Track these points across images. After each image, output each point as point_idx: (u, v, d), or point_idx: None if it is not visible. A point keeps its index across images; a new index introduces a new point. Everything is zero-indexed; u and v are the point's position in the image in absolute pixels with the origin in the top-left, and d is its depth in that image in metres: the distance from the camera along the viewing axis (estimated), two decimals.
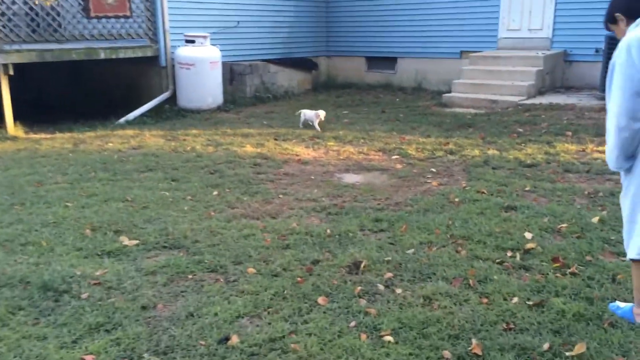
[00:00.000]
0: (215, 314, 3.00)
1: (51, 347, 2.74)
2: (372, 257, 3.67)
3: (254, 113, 9.76)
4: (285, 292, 3.23)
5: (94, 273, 3.52)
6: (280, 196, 5.12)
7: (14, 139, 7.96)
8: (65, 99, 11.72)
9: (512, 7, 10.60)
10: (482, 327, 2.83)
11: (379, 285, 3.30)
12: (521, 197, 4.83)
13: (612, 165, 2.72)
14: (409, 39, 11.94)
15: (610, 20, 2.87)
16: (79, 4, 9.48)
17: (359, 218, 4.44)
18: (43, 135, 8.28)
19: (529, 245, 3.76)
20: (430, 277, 3.40)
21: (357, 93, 11.77)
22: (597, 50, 9.72)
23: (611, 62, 2.64)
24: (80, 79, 11.79)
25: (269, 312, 3.02)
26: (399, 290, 3.22)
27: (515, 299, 3.08)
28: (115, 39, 9.76)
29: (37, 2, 8.80)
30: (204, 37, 9.84)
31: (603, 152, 6.09)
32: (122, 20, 9.83)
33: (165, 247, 3.97)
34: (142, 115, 9.79)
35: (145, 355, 2.67)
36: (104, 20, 9.74)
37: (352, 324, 2.89)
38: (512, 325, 2.84)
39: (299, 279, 3.37)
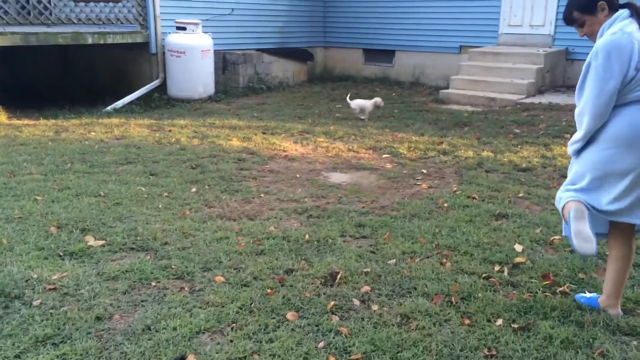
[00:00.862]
0: (174, 329, 2.76)
1: None
2: (350, 267, 3.43)
3: (245, 104, 9.49)
4: (253, 305, 3.00)
5: (51, 277, 3.28)
6: (262, 195, 4.88)
7: None
8: (54, 85, 11.45)
9: (513, 2, 10.30)
10: (461, 353, 2.61)
11: (354, 300, 3.07)
12: (514, 205, 4.59)
13: (572, 151, 2.84)
14: (407, 32, 11.65)
15: (588, 9, 2.69)
16: None
17: (341, 222, 4.20)
18: (26, 122, 8.03)
19: (519, 259, 3.53)
20: (410, 292, 3.17)
21: (353, 86, 11.49)
22: None
23: (587, 62, 2.60)
24: (70, 64, 11.52)
25: (232, 328, 2.79)
26: (375, 307, 2.99)
27: (500, 321, 2.85)
28: (104, 24, 9.47)
29: None
30: (196, 24, 9.56)
31: None
32: (112, 4, 9.53)
33: (132, 249, 3.73)
34: (131, 103, 9.53)
35: None
36: (92, 4, 9.45)
37: (321, 344, 2.66)
38: (494, 352, 2.62)
39: (269, 290, 3.14)
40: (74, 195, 4.75)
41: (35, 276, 3.27)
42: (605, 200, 2.71)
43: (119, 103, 9.41)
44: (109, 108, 9.23)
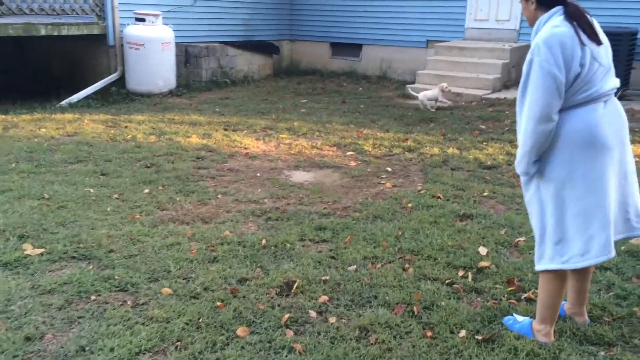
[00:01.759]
0: (112, 349, 2.53)
1: None
2: (308, 275, 3.24)
3: (207, 99, 9.19)
4: (200, 320, 2.78)
5: None
6: (219, 196, 4.64)
7: None
8: (6, 79, 10.92)
9: None
10: None
11: (310, 312, 2.88)
12: (479, 204, 4.47)
13: (522, 169, 2.55)
14: (375, 26, 11.48)
15: None
16: None
17: (300, 225, 4.00)
18: None
19: (483, 263, 3.39)
20: (370, 302, 2.99)
21: (319, 80, 11.29)
22: None
23: (528, 59, 2.40)
24: (25, 56, 11.01)
25: (176, 347, 2.57)
26: (332, 319, 2.81)
27: (463, 332, 2.70)
28: (59, 14, 9.04)
29: None
30: (155, 15, 9.20)
31: None
32: None
33: (73, 257, 3.46)
34: (87, 97, 9.13)
35: None
36: None
37: None
38: None
39: (219, 303, 2.92)
40: (15, 198, 4.44)
41: None
42: (597, 226, 2.43)
43: (74, 97, 9.00)
44: (63, 103, 8.82)
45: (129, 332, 2.67)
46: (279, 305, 2.93)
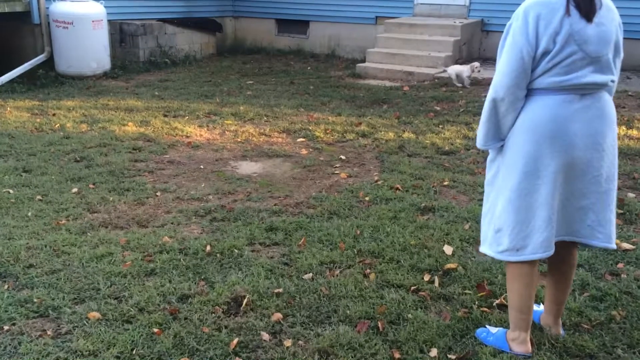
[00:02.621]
0: None
1: None
2: (258, 287, 2.88)
3: (146, 81, 8.58)
4: (134, 351, 2.39)
5: None
6: (158, 194, 4.20)
7: None
8: None
9: None
10: None
11: (263, 334, 2.53)
12: (439, 195, 4.21)
13: (480, 141, 2.37)
14: (322, 1, 11.03)
15: None
16: None
17: (249, 226, 3.63)
18: None
19: (450, 265, 3.12)
20: (330, 317, 2.67)
21: (265, 59, 10.79)
22: None
23: (507, 24, 2.23)
24: None
25: None
26: (288, 342, 2.47)
27: (435, 351, 2.42)
28: None
29: None
30: None
31: None
32: None
33: None
34: (12, 81, 8.33)
35: None
36: None
37: None
38: None
39: (156, 329, 2.53)
40: None
41: None
42: (539, 223, 2.27)
43: None
44: None
45: None
46: (226, 327, 2.57)
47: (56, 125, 5.95)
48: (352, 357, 2.38)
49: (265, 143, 5.55)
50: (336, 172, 4.76)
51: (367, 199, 4.12)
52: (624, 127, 5.73)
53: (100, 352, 2.38)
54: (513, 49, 2.15)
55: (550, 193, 2.23)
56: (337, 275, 3.03)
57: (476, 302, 2.79)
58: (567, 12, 2.10)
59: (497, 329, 2.53)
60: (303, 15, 11.31)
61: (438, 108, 6.77)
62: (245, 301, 2.75)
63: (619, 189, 2.74)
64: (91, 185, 4.30)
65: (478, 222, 3.63)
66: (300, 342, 2.48)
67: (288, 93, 7.75)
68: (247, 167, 4.91)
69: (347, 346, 2.44)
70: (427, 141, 5.47)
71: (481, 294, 2.87)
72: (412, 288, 2.91)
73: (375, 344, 2.46)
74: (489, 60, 9.64)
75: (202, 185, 4.42)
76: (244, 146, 5.45)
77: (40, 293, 2.80)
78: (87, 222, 3.66)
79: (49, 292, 2.81)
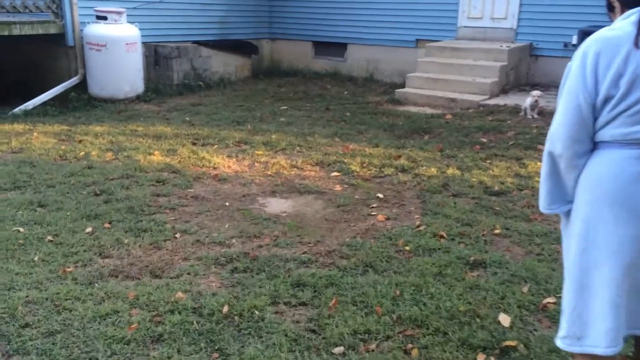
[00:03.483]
0: None
1: None
2: None
3: (178, 105, 8.35)
4: None
5: None
6: (177, 236, 3.84)
7: None
8: None
9: None
10: None
11: None
12: (490, 245, 3.71)
13: (542, 204, 2.05)
14: (360, 23, 10.69)
15: (608, 6, 1.97)
16: None
17: (274, 280, 3.21)
18: None
19: (508, 343, 2.63)
20: None
21: (302, 82, 10.48)
22: (565, 45, 8.75)
23: (568, 64, 1.97)
24: None
25: None
26: None
27: None
28: (9, 12, 8.12)
29: None
30: (119, 12, 8.32)
31: None
32: None
33: None
34: (45, 104, 8.23)
35: None
36: None
37: None
38: None
39: None
40: None
41: None
42: (600, 309, 1.86)
43: (30, 104, 8.10)
44: (17, 110, 7.92)
45: None
46: None
47: (81, 154, 5.70)
48: None
49: (297, 177, 5.16)
50: (373, 213, 4.32)
51: (407, 248, 3.66)
52: None
53: None
54: (569, 96, 1.87)
55: (615, 270, 1.81)
56: (372, 350, 2.58)
57: None
58: (636, 44, 1.68)
59: None
60: (341, 37, 10.99)
61: (484, 140, 6.26)
62: None
63: None
64: (107, 225, 3.97)
65: (538, 282, 3.16)
66: None
67: (323, 120, 7.37)
68: (276, 205, 4.51)
69: None
70: (473, 179, 4.97)
71: None
72: None
73: None
74: (537, 86, 9.09)
75: (226, 226, 4.04)
76: (274, 180, 5.07)
77: None
78: (97, 270, 3.32)
79: None
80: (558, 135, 1.90)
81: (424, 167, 5.29)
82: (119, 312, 2.86)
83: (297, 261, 3.48)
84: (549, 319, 2.88)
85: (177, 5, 9.85)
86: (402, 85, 9.16)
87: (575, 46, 8.31)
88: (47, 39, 8.50)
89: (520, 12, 9.16)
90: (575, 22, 8.46)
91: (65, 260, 3.43)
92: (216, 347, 2.59)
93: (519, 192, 4.70)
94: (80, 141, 6.18)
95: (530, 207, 4.36)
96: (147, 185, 4.85)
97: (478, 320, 2.83)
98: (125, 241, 3.72)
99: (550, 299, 3.02)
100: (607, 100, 1.79)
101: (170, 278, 3.25)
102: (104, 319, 2.79)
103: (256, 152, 5.88)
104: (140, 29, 8.67)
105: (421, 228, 3.97)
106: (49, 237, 3.74)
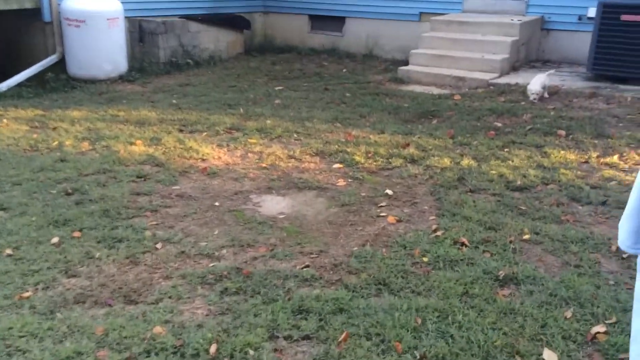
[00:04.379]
0: None
1: None
2: None
3: (165, 85, 7.74)
4: None
5: None
6: (158, 246, 3.32)
7: None
8: None
9: None
10: None
11: None
12: (520, 255, 3.22)
13: (625, 241, 1.57)
14: None
15: None
16: None
17: (271, 305, 2.71)
18: None
19: None
20: None
21: (297, 59, 9.85)
22: (580, 18, 8.16)
23: None
24: None
25: None
26: None
27: None
28: None
29: None
30: None
31: (613, 166, 4.55)
32: None
33: None
34: (21, 85, 7.61)
35: None
36: None
37: None
38: None
39: None
40: None
41: None
42: None
43: (3, 85, 7.48)
44: None
45: None
46: None
47: (54, 143, 5.13)
48: None
49: (295, 169, 4.63)
50: (382, 214, 3.81)
51: (425, 259, 3.16)
52: None
53: None
54: None
55: None
56: None
57: None
58: None
59: None
60: (338, 10, 10.32)
61: (499, 124, 5.72)
62: None
63: None
64: (76, 233, 3.44)
65: (582, 304, 2.68)
66: None
67: (322, 102, 6.80)
68: (272, 205, 3.99)
69: None
70: (492, 171, 4.45)
71: None
72: None
73: None
74: (548, 62, 8.52)
75: (216, 233, 3.52)
76: (270, 174, 4.53)
77: None
78: (60, 295, 2.80)
79: None
80: None
81: (436, 158, 4.76)
82: (82, 354, 2.35)
83: (298, 278, 2.98)
84: (601, 354, 2.39)
85: None
86: (405, 63, 8.56)
87: (592, 19, 7.73)
88: (22, 14, 7.83)
89: None
90: None
91: (24, 281, 2.91)
92: None
93: (545, 186, 4.18)
94: (54, 128, 5.61)
95: (559, 205, 3.86)
96: (127, 181, 4.31)
97: (518, 358, 2.34)
98: (97, 255, 3.20)
99: (600, 327, 2.54)
100: None
101: (148, 304, 2.74)
102: None
103: (249, 140, 5.32)
104: (123, 3, 8.01)
105: (439, 233, 3.46)
106: (8, 251, 3.21)
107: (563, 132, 5.32)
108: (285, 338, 2.49)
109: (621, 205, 3.82)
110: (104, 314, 2.65)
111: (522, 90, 6.88)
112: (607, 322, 2.58)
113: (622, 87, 6.90)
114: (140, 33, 8.80)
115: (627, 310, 2.63)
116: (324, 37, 10.65)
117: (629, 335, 1.61)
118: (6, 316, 2.61)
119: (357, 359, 2.33)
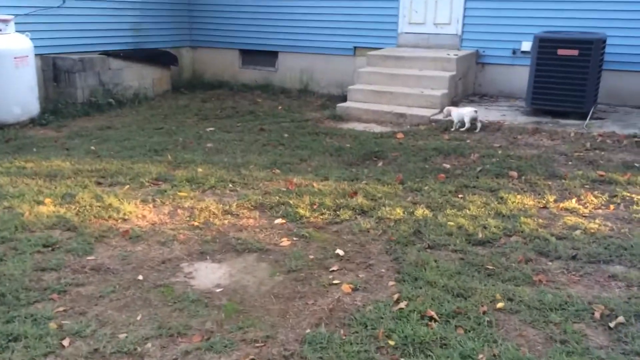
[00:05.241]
0: None
1: None
2: None
3: (82, 129, 7.00)
4: None
5: None
6: (65, 344, 2.67)
7: None
8: None
9: None
10: None
11: None
12: (497, 329, 2.81)
13: None
14: (292, 30, 9.71)
15: None
16: None
17: None
18: None
19: None
20: None
21: (229, 96, 9.35)
22: (514, 52, 8.17)
23: None
24: None
25: None
26: None
27: None
28: None
29: None
30: (4, 20, 6.89)
31: (573, 211, 4.29)
32: None
33: None
34: None
35: None
36: None
37: None
38: None
39: None
40: None
41: None
42: None
43: None
44: None
45: None
46: None
47: None
48: None
49: (232, 228, 4.08)
50: (335, 281, 3.32)
51: (391, 342, 2.69)
52: None
53: None
54: None
55: None
56: None
57: None
58: None
59: None
60: (271, 45, 9.96)
61: (447, 165, 5.42)
62: None
63: None
64: None
65: None
66: None
67: (257, 144, 6.30)
68: (207, 274, 3.43)
69: None
70: (450, 222, 4.08)
71: None
72: None
73: None
74: (485, 96, 8.46)
75: (138, 318, 2.92)
76: (203, 234, 3.96)
77: None
78: None
79: None
80: None
81: (387, 208, 4.35)
82: None
83: None
84: None
85: (80, 11, 8.47)
86: (342, 97, 8.28)
87: (526, 53, 7.72)
88: None
89: (464, 17, 8.51)
90: (525, 27, 7.90)
91: None
92: None
93: (508, 239, 3.85)
94: None
95: (527, 261, 3.52)
96: (30, 252, 3.62)
97: None
98: None
99: None
100: None
101: None
102: None
103: (179, 193, 4.73)
104: (34, 39, 7.25)
105: (402, 305, 3.01)
106: None
107: (515, 174, 5.07)
108: None
109: (592, 259, 3.53)
110: None
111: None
112: None
113: (562, 121, 6.84)
114: (54, 71, 8.04)
115: None
116: (257, 72, 10.24)
117: None
118: None
119: None
